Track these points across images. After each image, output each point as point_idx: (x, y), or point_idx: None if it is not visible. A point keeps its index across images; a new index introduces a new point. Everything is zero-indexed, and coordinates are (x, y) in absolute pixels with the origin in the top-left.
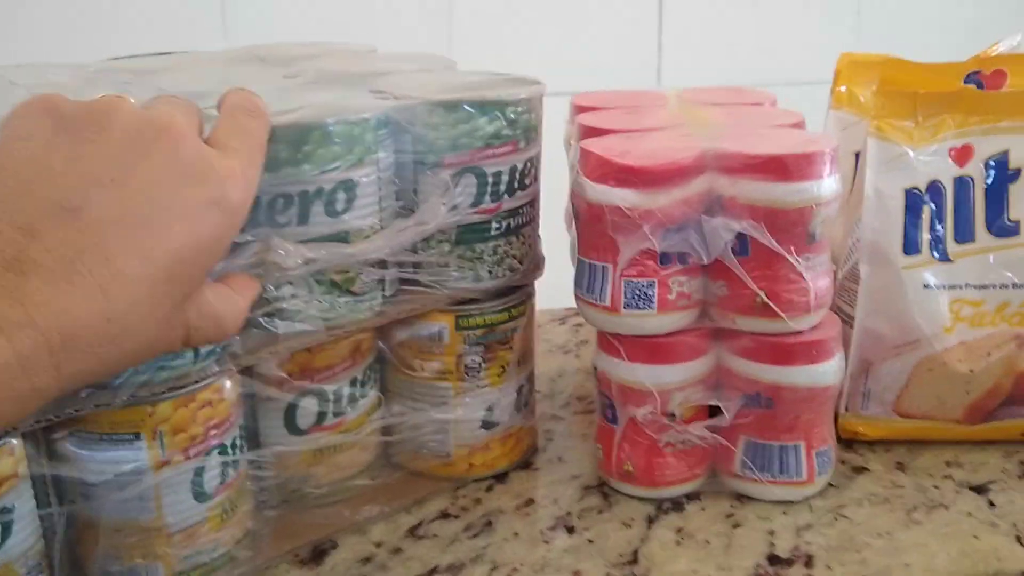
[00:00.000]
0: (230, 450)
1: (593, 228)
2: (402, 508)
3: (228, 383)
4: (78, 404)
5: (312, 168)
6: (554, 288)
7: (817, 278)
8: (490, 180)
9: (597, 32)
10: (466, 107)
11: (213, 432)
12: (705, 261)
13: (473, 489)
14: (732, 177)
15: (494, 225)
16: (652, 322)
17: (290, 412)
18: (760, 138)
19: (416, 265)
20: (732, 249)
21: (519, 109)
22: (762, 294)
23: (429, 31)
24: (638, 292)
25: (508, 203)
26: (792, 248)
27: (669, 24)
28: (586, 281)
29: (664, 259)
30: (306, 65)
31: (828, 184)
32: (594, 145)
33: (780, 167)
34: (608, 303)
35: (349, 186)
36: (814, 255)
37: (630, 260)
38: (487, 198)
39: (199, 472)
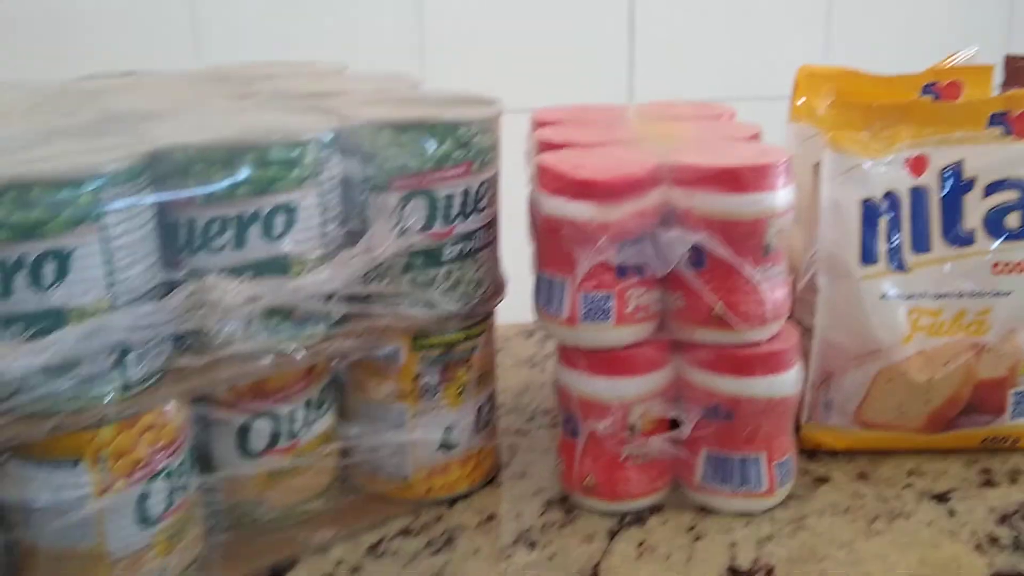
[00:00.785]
0: (177, 474)
1: (550, 242)
2: (359, 532)
3: (172, 406)
4: (12, 431)
5: (248, 191)
6: (522, 301)
7: (773, 289)
8: (442, 203)
9: (569, 48)
10: (415, 128)
11: (159, 456)
12: (661, 273)
13: (435, 505)
14: (687, 189)
15: (447, 249)
16: (610, 335)
17: (242, 434)
18: (715, 151)
19: (367, 295)
20: (688, 261)
21: (472, 130)
22: (718, 305)
23: (401, 48)
24: (596, 305)
25: (462, 226)
26: (748, 259)
27: (641, 39)
28: (544, 295)
29: (621, 272)
30: (264, 85)
31: (782, 195)
32: (550, 159)
33: (734, 179)
34: (566, 316)
35: (288, 209)
36: (770, 266)
37: (587, 273)
38: (439, 222)
39: (144, 497)
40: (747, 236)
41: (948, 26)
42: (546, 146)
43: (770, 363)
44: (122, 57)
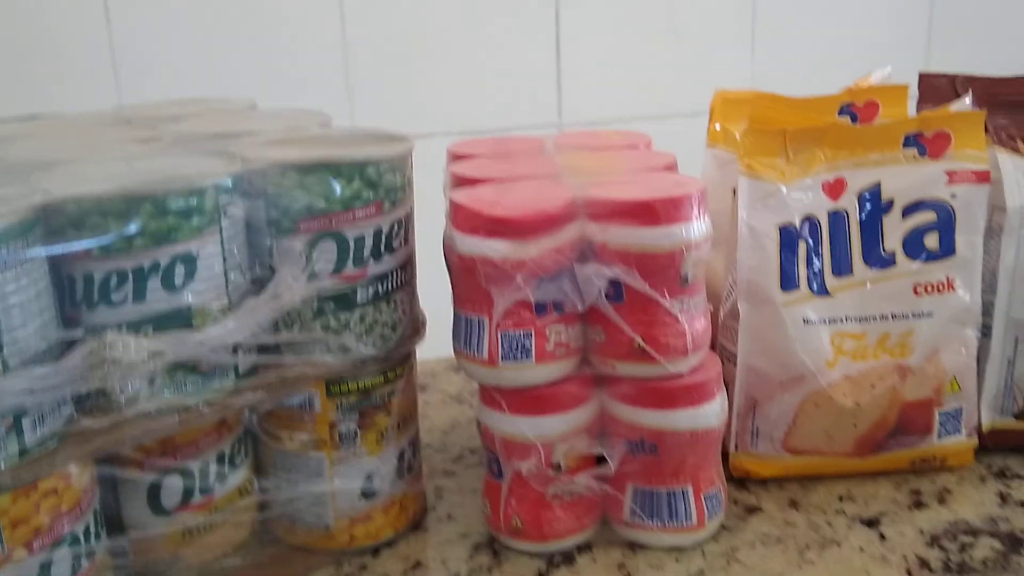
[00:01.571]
0: (83, 539)
1: (466, 280)
2: None
3: (75, 468)
4: None
5: (146, 241)
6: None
7: (693, 320)
8: (352, 245)
9: (497, 72)
10: (321, 169)
11: (62, 521)
12: (580, 309)
13: (358, 555)
14: (602, 224)
15: (360, 292)
16: (531, 373)
17: (153, 492)
18: (629, 183)
19: (277, 344)
20: (607, 295)
21: (381, 169)
22: (639, 339)
23: (325, 80)
24: (515, 343)
25: (375, 268)
26: (665, 291)
27: (568, 62)
28: (463, 335)
29: (540, 308)
30: (168, 128)
31: (697, 227)
32: (463, 196)
33: (648, 212)
34: (486, 356)
35: (189, 259)
36: (688, 297)
37: (505, 311)
38: (350, 264)
39: (46, 566)
40: (664, 268)
41: (871, 44)
42: (461, 181)
43: (692, 395)
44: (40, 91)
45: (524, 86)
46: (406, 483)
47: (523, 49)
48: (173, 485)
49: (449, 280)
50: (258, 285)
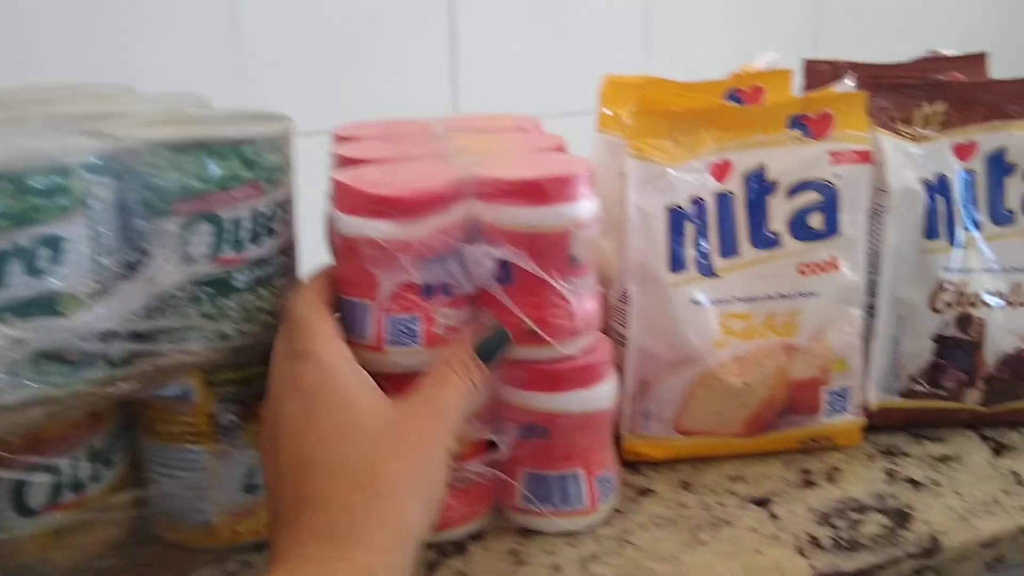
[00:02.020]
0: None
1: (350, 263)
2: None
3: None
4: None
5: (6, 223)
6: None
7: (582, 301)
8: (229, 227)
9: (391, 65)
10: (196, 148)
11: None
12: (469, 291)
13: (242, 552)
14: (490, 203)
15: (238, 277)
16: (419, 358)
17: (18, 491)
18: (517, 163)
19: (151, 332)
20: (496, 277)
21: (258, 149)
22: (529, 321)
23: (214, 73)
24: (402, 328)
25: (254, 252)
26: (555, 272)
27: (464, 56)
28: (348, 320)
29: (427, 291)
30: (34, 109)
31: (586, 206)
32: (346, 175)
33: (537, 191)
34: (372, 342)
35: (53, 242)
36: (577, 278)
37: (391, 295)
38: (228, 247)
39: None
40: (553, 249)
41: (760, 39)
42: (345, 162)
43: (583, 377)
44: None
45: (418, 81)
46: None
47: (418, 44)
48: (40, 483)
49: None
50: (131, 270)
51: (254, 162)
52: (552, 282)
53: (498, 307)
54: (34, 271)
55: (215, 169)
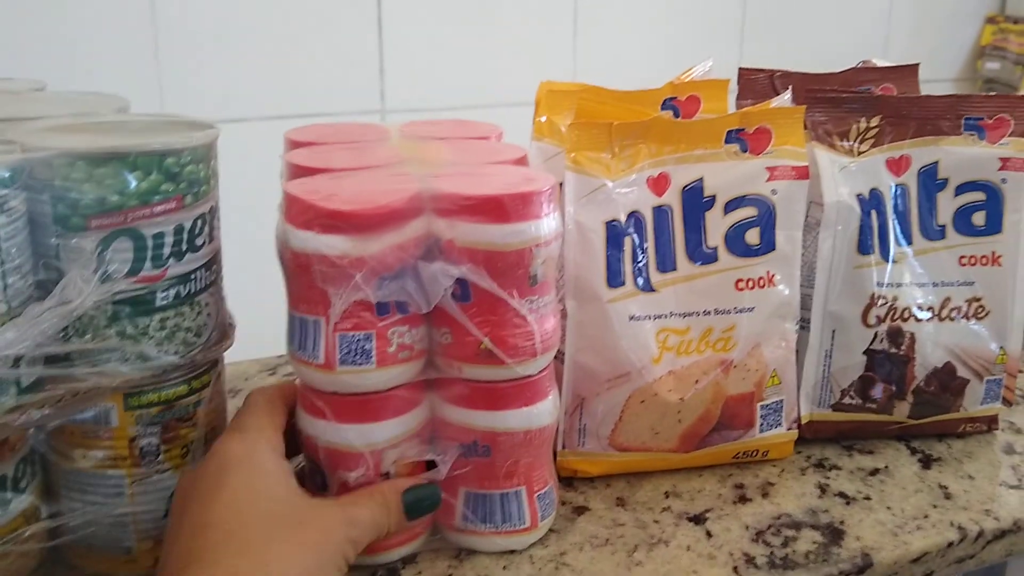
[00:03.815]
0: None
1: (301, 279)
2: None
3: None
4: None
5: None
6: (261, 335)
7: (542, 320)
8: (150, 243)
9: (317, 54)
10: (114, 159)
11: None
12: (425, 309)
13: None
14: (449, 219)
15: (160, 295)
16: (372, 378)
17: None
18: (478, 178)
19: (67, 354)
20: (453, 295)
21: (183, 160)
22: (486, 340)
23: (132, 62)
24: (355, 347)
25: (176, 268)
26: (514, 291)
27: (390, 48)
28: (298, 337)
29: (381, 309)
30: None
31: (547, 223)
32: (298, 188)
33: (497, 208)
34: (322, 360)
35: None
36: (537, 297)
37: (343, 312)
38: (148, 264)
39: None
40: (512, 267)
41: (689, 33)
42: (297, 170)
43: (526, 394)
44: None
45: (345, 71)
46: None
47: (344, 33)
48: None
49: (284, 277)
50: (43, 289)
51: (177, 174)
52: (511, 301)
53: (455, 326)
54: None
55: (135, 182)
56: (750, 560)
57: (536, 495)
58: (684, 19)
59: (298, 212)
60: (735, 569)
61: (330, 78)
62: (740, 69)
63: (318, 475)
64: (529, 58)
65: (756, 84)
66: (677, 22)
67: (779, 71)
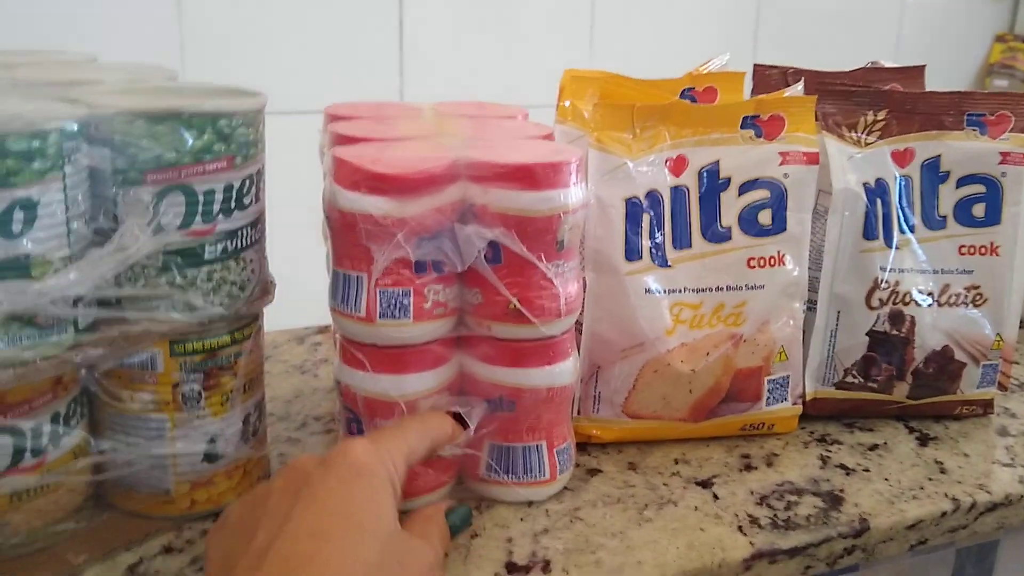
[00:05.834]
0: None
1: (346, 237)
2: (116, 552)
3: None
4: None
5: None
6: (292, 307)
7: (567, 284)
8: (202, 199)
9: (337, 51)
10: (172, 119)
11: None
12: (459, 269)
13: (200, 520)
14: (483, 186)
15: (208, 249)
16: (409, 331)
17: None
18: (510, 148)
19: (120, 299)
20: (485, 257)
21: (234, 123)
22: (515, 301)
23: (159, 45)
24: (394, 301)
25: (224, 224)
26: (542, 255)
27: (410, 47)
28: (341, 292)
29: (419, 267)
30: (4, 74)
31: (574, 192)
32: (346, 152)
33: (528, 176)
34: (363, 313)
35: (28, 205)
36: (564, 261)
37: (384, 269)
38: (199, 219)
39: None
40: (541, 232)
41: (702, 40)
42: (342, 140)
43: (549, 353)
44: None
45: (366, 68)
46: (250, 447)
47: (365, 32)
48: (3, 445)
49: (327, 237)
50: (102, 236)
51: (229, 136)
52: (539, 264)
53: (486, 286)
54: (7, 234)
55: (191, 141)
56: (754, 521)
57: (555, 450)
58: (698, 28)
59: (347, 174)
60: (740, 528)
61: (350, 79)
62: (755, 65)
63: (355, 423)
64: (545, 63)
65: (770, 80)
66: (691, 32)
67: (792, 68)
